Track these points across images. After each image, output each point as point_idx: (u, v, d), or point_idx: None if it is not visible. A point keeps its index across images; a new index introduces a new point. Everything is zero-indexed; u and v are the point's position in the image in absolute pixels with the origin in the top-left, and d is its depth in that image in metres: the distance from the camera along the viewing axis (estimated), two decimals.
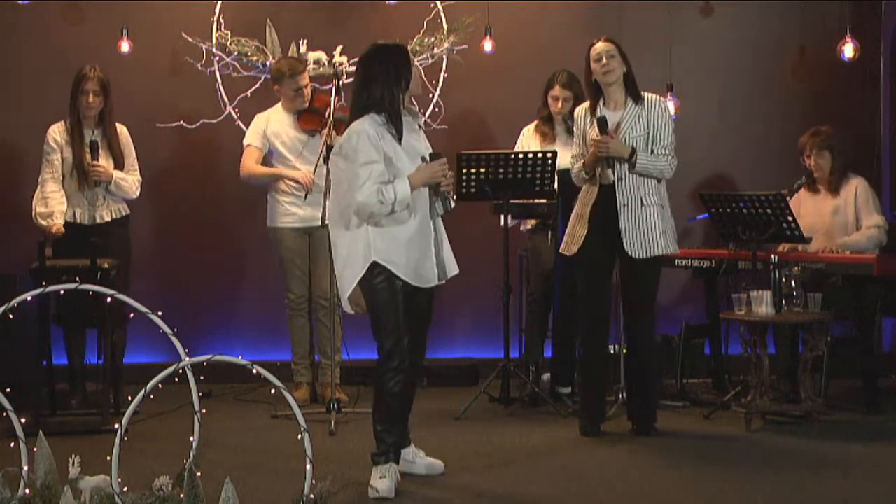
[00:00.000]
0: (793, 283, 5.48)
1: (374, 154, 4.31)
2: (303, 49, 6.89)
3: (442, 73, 7.02)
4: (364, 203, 4.29)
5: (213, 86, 6.97)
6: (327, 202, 5.75)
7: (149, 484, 3.50)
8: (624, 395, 5.77)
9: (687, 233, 7.07)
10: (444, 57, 7.01)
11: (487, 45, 6.90)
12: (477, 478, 4.58)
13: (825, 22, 7.21)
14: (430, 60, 6.99)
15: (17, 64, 7.00)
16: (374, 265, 4.36)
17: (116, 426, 3.47)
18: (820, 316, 5.49)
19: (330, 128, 5.87)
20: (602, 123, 5.19)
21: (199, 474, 3.45)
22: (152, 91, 6.91)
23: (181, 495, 3.44)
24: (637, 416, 5.38)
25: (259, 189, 6.56)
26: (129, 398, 3.47)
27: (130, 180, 6.10)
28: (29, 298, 3.70)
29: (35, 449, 3.63)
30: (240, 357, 3.55)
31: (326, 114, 5.97)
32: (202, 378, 3.76)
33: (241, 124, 6.93)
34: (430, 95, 7.01)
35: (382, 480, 4.29)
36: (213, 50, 6.93)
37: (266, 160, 6.33)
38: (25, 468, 3.61)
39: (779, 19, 7.27)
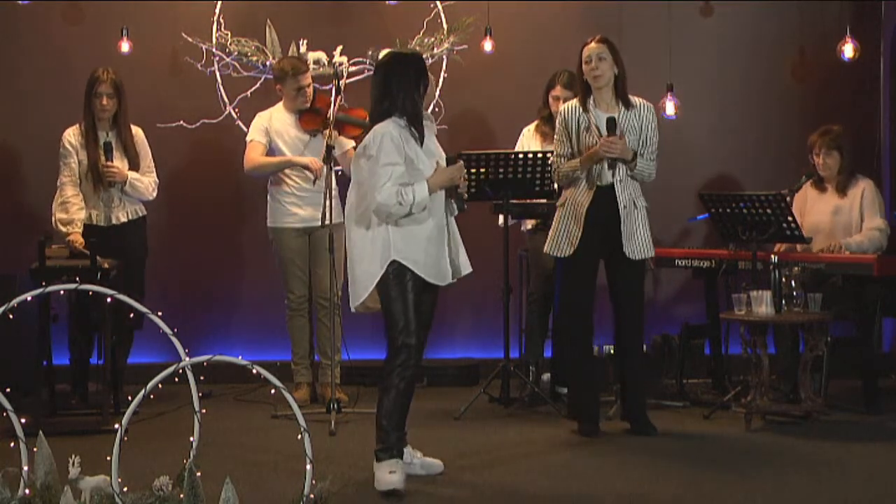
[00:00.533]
0: (793, 283, 5.48)
1: (395, 156, 4.39)
2: (303, 49, 6.88)
3: (442, 73, 7.02)
4: (383, 203, 4.35)
5: (213, 86, 6.98)
6: (329, 202, 5.80)
7: (149, 484, 3.50)
8: (619, 397, 5.76)
9: (687, 233, 7.08)
10: (444, 57, 7.01)
11: (487, 45, 6.90)
12: (476, 477, 4.58)
13: (825, 22, 7.21)
14: (430, 60, 6.98)
15: (17, 64, 7.01)
16: (393, 263, 4.42)
17: (116, 426, 3.47)
18: (820, 316, 5.49)
19: (332, 128, 5.88)
20: (611, 124, 5.18)
21: (199, 474, 3.45)
22: (152, 91, 6.91)
23: (181, 495, 3.44)
24: (633, 416, 5.39)
25: (259, 189, 6.56)
26: (129, 398, 3.47)
27: (146, 181, 6.10)
28: (29, 298, 3.70)
29: (35, 449, 3.63)
30: (240, 357, 3.55)
31: (328, 114, 5.97)
32: (202, 378, 3.76)
33: (241, 124, 6.93)
34: None
35: (393, 475, 4.30)
36: (213, 50, 6.93)
37: None
38: (25, 468, 3.61)
39: (778, 19, 7.27)
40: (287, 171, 6.23)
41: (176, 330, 3.68)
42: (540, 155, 5.91)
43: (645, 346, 5.73)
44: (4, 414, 3.68)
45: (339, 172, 6.43)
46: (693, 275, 6.50)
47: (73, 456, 3.48)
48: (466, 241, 4.71)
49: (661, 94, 6.84)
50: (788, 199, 5.88)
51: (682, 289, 7.14)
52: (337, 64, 6.74)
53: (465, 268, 4.66)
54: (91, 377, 6.02)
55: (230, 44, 6.91)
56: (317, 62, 6.74)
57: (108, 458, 3.38)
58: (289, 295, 6.34)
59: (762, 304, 5.41)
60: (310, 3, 7.11)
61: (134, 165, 6.06)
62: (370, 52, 6.85)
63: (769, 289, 5.47)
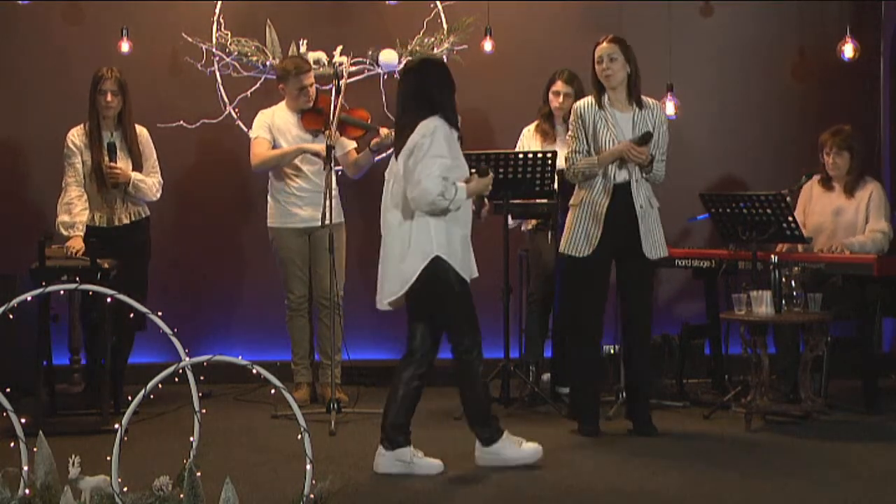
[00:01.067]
0: (793, 283, 5.48)
1: (445, 149, 4.54)
2: (303, 49, 6.88)
3: None
4: (429, 191, 4.47)
5: (213, 86, 6.97)
6: (329, 202, 5.79)
7: (149, 484, 3.50)
8: (624, 395, 5.76)
9: (687, 233, 7.08)
10: (444, 57, 7.00)
11: (487, 45, 6.90)
12: (476, 477, 4.58)
13: (825, 22, 7.20)
14: None
15: (17, 64, 7.00)
16: (435, 259, 4.55)
17: (116, 426, 3.47)
18: (820, 316, 5.49)
19: (333, 128, 5.88)
20: (647, 138, 5.16)
21: (199, 474, 3.45)
22: (152, 91, 6.91)
23: (181, 495, 3.44)
24: (637, 416, 5.39)
25: (259, 189, 6.56)
26: (129, 398, 3.47)
27: (150, 182, 6.09)
28: (29, 298, 3.70)
29: (35, 449, 3.63)
30: (240, 357, 3.55)
31: (330, 114, 5.97)
32: (202, 378, 3.76)
33: (241, 124, 6.93)
34: None
35: (526, 444, 4.72)
36: (213, 50, 6.92)
37: None
38: (25, 468, 3.61)
39: (778, 19, 7.26)
40: (288, 171, 6.23)
41: (176, 330, 3.68)
42: (540, 155, 5.91)
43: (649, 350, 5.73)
44: (4, 414, 3.68)
45: (339, 173, 6.43)
46: (693, 275, 6.50)
47: (73, 456, 3.48)
48: None
49: (661, 94, 6.83)
50: (789, 198, 5.88)
51: (682, 289, 7.14)
52: (337, 64, 6.74)
53: (475, 271, 4.80)
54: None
55: (230, 44, 6.91)
56: (317, 62, 6.74)
57: (108, 458, 3.38)
58: (289, 295, 6.34)
59: (762, 304, 5.41)
60: (310, 3, 7.11)
61: (137, 166, 6.05)
62: (370, 52, 6.86)
63: (769, 289, 5.47)
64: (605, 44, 5.28)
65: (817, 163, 6.21)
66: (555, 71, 6.28)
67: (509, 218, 6.07)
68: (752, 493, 4.28)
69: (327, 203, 5.76)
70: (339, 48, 6.83)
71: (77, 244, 5.80)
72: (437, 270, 4.56)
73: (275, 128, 6.25)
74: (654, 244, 5.27)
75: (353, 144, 6.36)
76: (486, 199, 4.88)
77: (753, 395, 5.50)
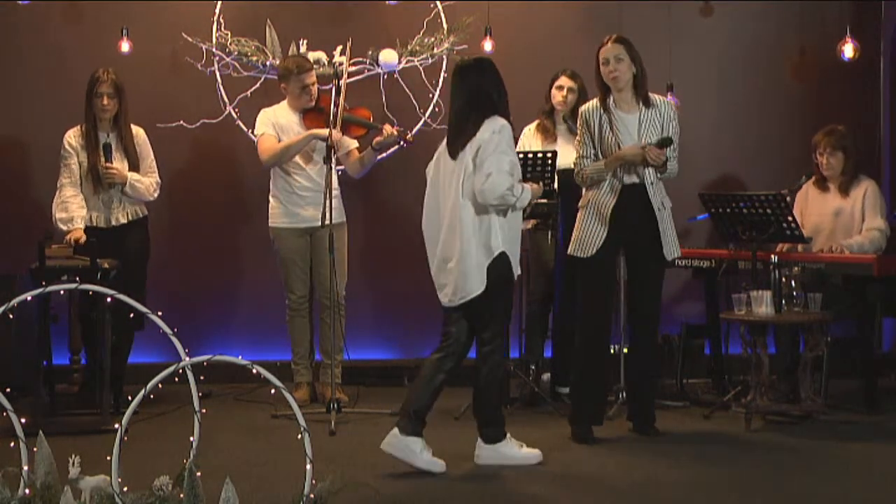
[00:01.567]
0: (793, 283, 5.48)
1: (511, 146, 4.73)
2: (303, 49, 6.89)
3: (442, 73, 7.00)
4: (499, 183, 4.57)
5: (213, 86, 6.97)
6: (329, 202, 5.79)
7: (149, 484, 3.50)
8: (624, 395, 5.76)
9: (687, 233, 7.07)
10: (444, 57, 7.00)
11: (487, 45, 6.89)
12: (476, 477, 4.58)
13: (825, 22, 7.21)
14: (430, 60, 6.99)
15: (17, 64, 7.00)
16: (501, 256, 4.69)
17: (116, 426, 3.47)
18: (820, 316, 5.49)
19: (333, 127, 5.88)
20: (666, 143, 5.12)
21: (199, 474, 3.44)
22: (152, 91, 6.91)
23: (181, 495, 3.44)
24: (638, 416, 5.39)
25: (259, 189, 6.56)
26: (129, 398, 3.47)
27: (146, 182, 6.09)
28: (29, 298, 3.70)
29: (35, 449, 3.63)
30: (240, 357, 3.55)
31: (332, 113, 5.97)
32: (202, 378, 3.75)
33: (241, 124, 6.93)
34: (430, 95, 7.01)
35: (527, 448, 4.79)
36: (213, 50, 6.92)
37: None
38: (25, 468, 3.60)
39: (778, 19, 7.27)
40: (291, 169, 6.21)
41: (176, 330, 3.68)
42: (540, 155, 5.90)
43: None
44: (4, 414, 3.68)
45: (340, 172, 6.43)
46: (693, 275, 6.50)
47: (73, 456, 3.48)
48: None
49: (661, 94, 6.81)
50: (788, 199, 5.88)
51: (682, 289, 7.14)
52: (337, 64, 6.74)
53: (518, 270, 4.91)
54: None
55: (230, 44, 6.91)
56: (316, 62, 6.74)
57: (108, 458, 3.38)
58: (289, 295, 6.34)
59: (762, 304, 5.41)
60: (310, 3, 7.11)
61: (134, 166, 6.06)
62: (370, 52, 6.86)
63: (769, 289, 5.46)
64: (610, 45, 5.23)
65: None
66: (559, 69, 6.29)
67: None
68: (751, 493, 4.28)
69: (327, 203, 5.76)
70: (339, 48, 6.84)
71: (78, 234, 5.82)
72: (499, 267, 4.68)
73: (278, 126, 6.25)
74: (671, 244, 5.24)
75: (354, 144, 6.36)
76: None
77: (753, 395, 5.50)
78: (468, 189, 4.67)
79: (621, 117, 5.23)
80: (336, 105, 6.04)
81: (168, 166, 6.79)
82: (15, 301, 3.67)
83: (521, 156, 5.93)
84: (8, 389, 3.76)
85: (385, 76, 6.99)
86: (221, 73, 6.96)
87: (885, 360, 6.86)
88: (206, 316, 7.04)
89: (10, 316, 3.67)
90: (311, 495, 3.41)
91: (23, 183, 6.96)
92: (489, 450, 4.75)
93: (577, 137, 5.39)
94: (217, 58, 6.94)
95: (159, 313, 3.67)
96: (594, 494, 4.32)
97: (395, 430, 4.67)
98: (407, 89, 6.99)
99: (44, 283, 4.10)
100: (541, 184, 5.06)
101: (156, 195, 6.17)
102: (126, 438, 3.43)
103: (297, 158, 6.21)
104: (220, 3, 6.94)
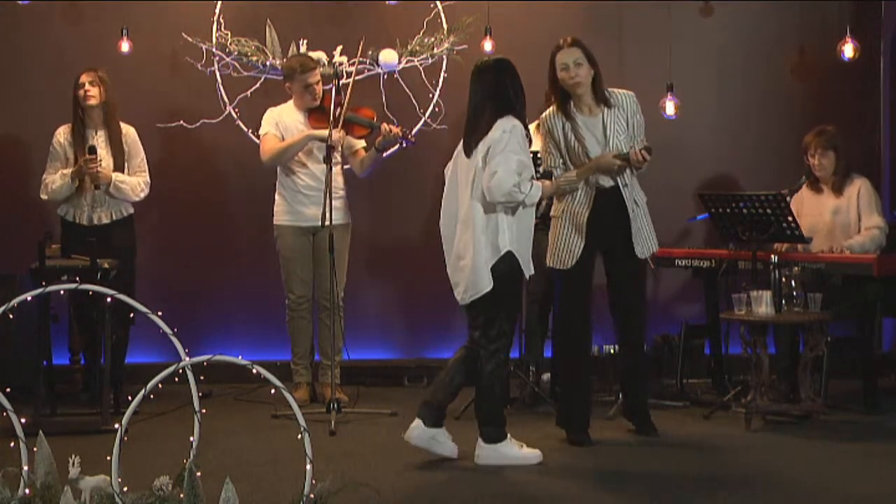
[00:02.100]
0: (793, 283, 5.48)
1: (522, 145, 4.71)
2: (303, 49, 6.88)
3: (442, 73, 7.01)
4: (505, 180, 4.59)
5: (213, 86, 6.97)
6: (329, 202, 5.79)
7: (149, 484, 3.50)
8: (621, 395, 5.76)
9: (687, 233, 7.08)
10: (444, 57, 7.00)
11: (487, 45, 6.89)
12: (476, 477, 4.58)
13: (825, 22, 7.21)
14: (430, 60, 6.99)
15: (17, 64, 7.01)
16: (508, 254, 4.69)
17: (116, 426, 3.47)
18: (820, 316, 5.49)
19: (334, 127, 5.88)
20: (624, 157, 5.05)
21: (199, 474, 3.44)
22: (152, 91, 6.91)
23: (181, 495, 3.44)
24: (636, 415, 5.38)
25: (259, 189, 6.56)
26: (129, 398, 3.47)
27: (132, 182, 6.09)
28: (29, 298, 3.70)
29: (35, 449, 3.63)
30: (240, 357, 3.55)
31: (336, 113, 5.97)
32: (202, 378, 3.76)
33: (241, 124, 6.93)
34: (430, 95, 7.01)
35: (527, 449, 4.78)
36: (213, 50, 6.92)
37: None
38: (25, 468, 3.60)
39: (778, 19, 7.27)
40: (295, 167, 6.22)
41: (176, 330, 3.68)
42: (540, 155, 5.89)
43: (645, 346, 5.71)
44: (4, 414, 3.68)
45: (348, 170, 6.42)
46: (693, 275, 6.50)
47: (73, 456, 3.48)
48: None
49: (661, 94, 6.84)
50: (788, 199, 5.88)
51: (682, 289, 7.14)
52: (337, 64, 6.74)
53: (531, 269, 4.91)
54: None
55: (230, 44, 6.91)
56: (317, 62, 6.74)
57: (108, 458, 3.38)
58: (289, 295, 6.34)
59: (762, 304, 5.41)
60: (310, 3, 7.11)
61: (120, 166, 6.05)
62: (370, 52, 6.85)
63: (769, 289, 5.47)
64: (566, 49, 5.10)
65: None
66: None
67: None
68: (751, 493, 4.27)
69: (327, 203, 5.76)
70: (339, 48, 6.84)
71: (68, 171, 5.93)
72: (505, 266, 4.68)
73: (282, 126, 6.26)
74: (644, 242, 5.19)
75: (361, 144, 6.36)
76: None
77: (753, 395, 5.50)
78: (478, 187, 4.70)
79: (584, 121, 5.14)
80: (337, 105, 6.04)
81: (168, 166, 6.80)
82: (15, 301, 3.67)
83: None
84: (8, 389, 3.76)
85: (385, 76, 6.99)
86: (221, 73, 6.96)
87: (885, 360, 6.86)
88: (206, 316, 7.04)
89: (10, 316, 3.67)
90: (311, 495, 3.41)
91: (23, 183, 6.95)
92: (489, 450, 4.75)
93: (542, 147, 5.30)
94: (217, 58, 6.94)
95: (159, 313, 3.67)
96: (594, 494, 4.32)
97: (418, 421, 4.77)
98: (407, 89, 6.99)
99: (44, 283, 4.10)
100: (555, 181, 5.03)
101: (143, 195, 6.16)
102: (126, 438, 3.43)
103: (302, 157, 6.21)
104: (220, 3, 6.95)
